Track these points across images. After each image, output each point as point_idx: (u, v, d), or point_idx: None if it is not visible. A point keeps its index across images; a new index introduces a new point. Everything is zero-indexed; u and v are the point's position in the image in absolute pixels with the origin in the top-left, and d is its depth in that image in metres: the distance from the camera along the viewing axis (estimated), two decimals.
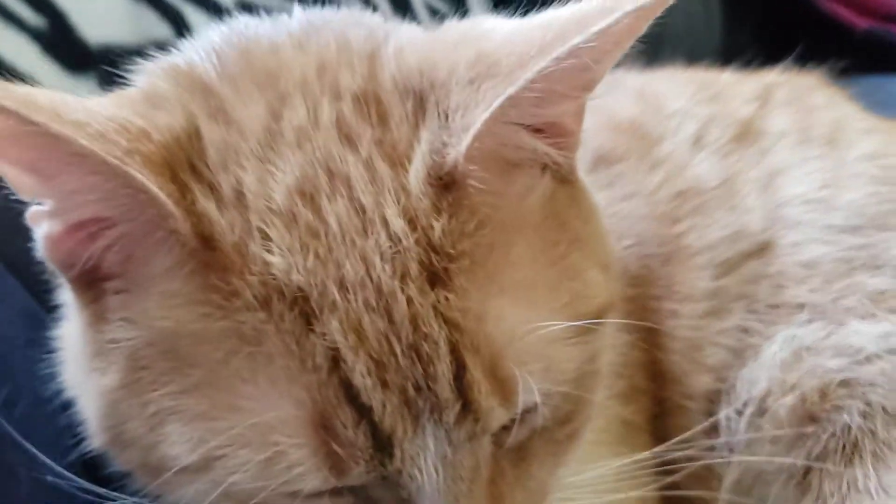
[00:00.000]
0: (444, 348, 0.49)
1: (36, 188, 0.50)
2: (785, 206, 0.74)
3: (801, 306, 0.70)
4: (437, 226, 0.50)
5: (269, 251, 0.49)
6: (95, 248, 0.51)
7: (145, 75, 0.57)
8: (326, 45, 0.56)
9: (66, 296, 0.61)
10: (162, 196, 0.48)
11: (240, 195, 0.50)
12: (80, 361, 0.56)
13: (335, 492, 0.51)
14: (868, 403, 0.66)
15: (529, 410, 0.52)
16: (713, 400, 0.71)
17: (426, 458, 0.49)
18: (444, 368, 0.49)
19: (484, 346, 0.50)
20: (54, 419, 0.63)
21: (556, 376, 0.52)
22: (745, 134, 0.78)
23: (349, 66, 0.54)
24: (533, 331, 0.50)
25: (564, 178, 0.56)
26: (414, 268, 0.49)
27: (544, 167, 0.55)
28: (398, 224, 0.49)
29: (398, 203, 0.50)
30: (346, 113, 0.52)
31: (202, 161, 0.51)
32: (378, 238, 0.49)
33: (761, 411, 0.69)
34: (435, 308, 0.49)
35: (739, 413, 0.69)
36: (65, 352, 0.61)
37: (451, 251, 0.50)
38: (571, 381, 0.54)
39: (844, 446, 0.66)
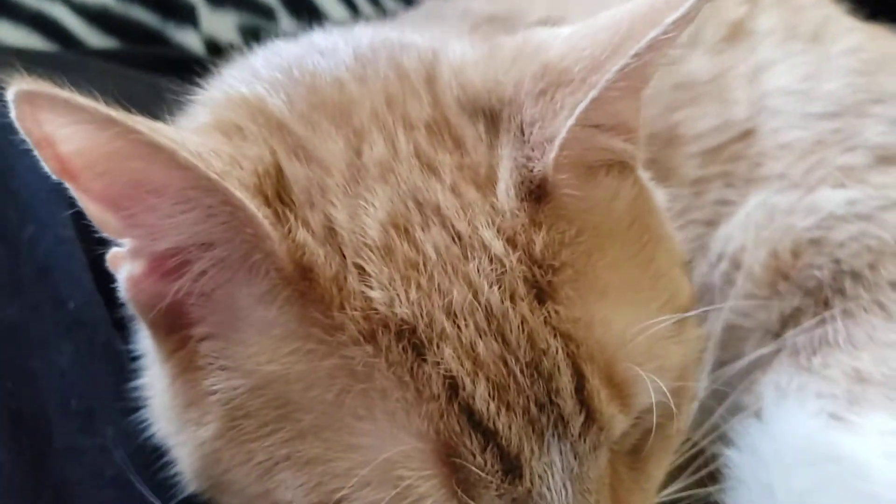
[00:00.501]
0: (563, 361, 0.49)
1: (122, 222, 0.49)
2: (768, 97, 0.78)
3: (775, 178, 0.74)
4: (538, 240, 0.50)
5: (368, 286, 0.48)
6: (183, 282, 0.50)
7: (206, 106, 0.57)
8: (386, 77, 0.56)
9: (146, 344, 0.60)
10: (259, 215, 0.47)
11: (331, 231, 0.49)
12: (172, 413, 0.55)
13: None
14: (837, 262, 0.71)
15: (645, 411, 0.52)
16: None
17: (554, 475, 0.49)
18: (566, 381, 0.49)
19: (598, 353, 0.50)
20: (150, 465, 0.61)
21: (668, 373, 0.52)
22: (736, 34, 0.83)
23: (414, 95, 0.55)
24: (641, 331, 0.50)
25: (637, 180, 0.57)
26: (521, 286, 0.49)
27: (623, 169, 0.56)
28: (498, 245, 0.49)
29: (493, 224, 0.50)
30: (423, 143, 0.53)
31: (288, 196, 0.50)
32: (480, 262, 0.49)
33: (736, 265, 0.73)
34: (547, 322, 0.49)
35: (713, 267, 0.74)
36: (152, 402, 0.60)
37: (554, 263, 0.50)
38: (679, 376, 0.54)
39: (816, 304, 0.71)
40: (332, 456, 0.48)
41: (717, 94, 0.80)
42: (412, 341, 0.48)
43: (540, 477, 0.49)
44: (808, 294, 0.72)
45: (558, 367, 0.49)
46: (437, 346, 0.48)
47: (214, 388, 0.51)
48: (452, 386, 0.48)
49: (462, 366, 0.48)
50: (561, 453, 0.49)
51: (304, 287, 0.48)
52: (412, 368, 0.48)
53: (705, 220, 0.76)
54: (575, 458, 0.49)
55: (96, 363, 0.62)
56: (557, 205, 0.51)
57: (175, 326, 0.52)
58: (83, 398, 0.62)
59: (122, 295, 0.53)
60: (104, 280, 0.57)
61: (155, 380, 0.58)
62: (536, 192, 0.51)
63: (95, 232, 0.50)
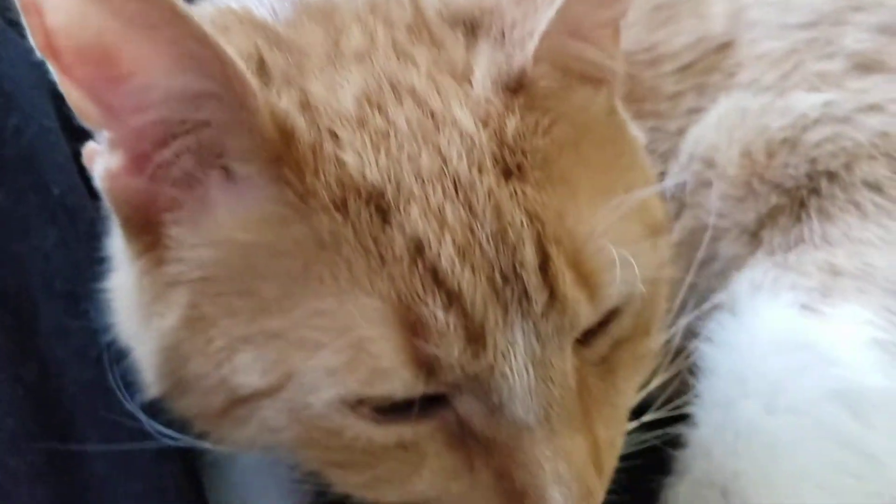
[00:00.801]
0: (527, 237, 0.49)
1: (102, 110, 0.49)
2: (746, 9, 0.78)
3: (748, 84, 0.75)
4: (510, 125, 0.51)
5: (343, 152, 0.49)
6: (162, 161, 0.51)
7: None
8: None
9: (115, 246, 0.60)
10: (247, 74, 0.47)
11: (307, 103, 0.50)
12: (136, 311, 0.56)
13: (420, 413, 0.51)
14: (813, 162, 0.71)
15: (613, 316, 0.53)
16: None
17: (516, 355, 0.49)
18: (529, 256, 0.49)
19: (565, 237, 0.50)
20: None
21: (635, 274, 0.52)
22: None
23: (398, 4, 0.56)
24: (611, 229, 0.51)
25: (613, 103, 0.58)
26: (489, 161, 0.50)
27: (599, 84, 0.57)
28: (469, 123, 0.50)
29: (466, 106, 0.51)
30: (401, 38, 0.54)
31: (268, 76, 0.51)
32: (450, 135, 0.50)
33: (708, 164, 0.74)
34: (513, 198, 0.49)
35: (684, 168, 0.75)
36: (117, 303, 0.60)
37: (525, 148, 0.51)
38: (649, 283, 0.54)
39: (792, 204, 0.72)
40: (292, 327, 0.49)
41: (695, 9, 0.80)
42: (380, 206, 0.48)
43: (503, 354, 0.49)
44: (785, 194, 0.72)
45: (523, 241, 0.49)
46: (404, 209, 0.48)
47: (181, 273, 0.52)
48: (417, 248, 0.48)
49: (428, 226, 0.48)
50: (524, 333, 0.49)
51: (284, 152, 0.49)
52: (378, 233, 0.48)
53: (677, 129, 0.77)
54: (537, 341, 0.49)
55: (80, 247, 0.63)
56: (533, 97, 0.52)
57: (147, 225, 0.53)
58: (67, 281, 0.62)
59: (98, 189, 0.53)
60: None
61: (122, 280, 0.59)
62: (513, 85, 0.52)
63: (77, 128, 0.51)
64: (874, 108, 0.72)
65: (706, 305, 0.71)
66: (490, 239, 0.49)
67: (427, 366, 0.48)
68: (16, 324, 0.60)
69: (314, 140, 0.49)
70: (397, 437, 0.51)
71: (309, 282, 0.48)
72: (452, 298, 0.48)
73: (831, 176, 0.72)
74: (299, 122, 0.49)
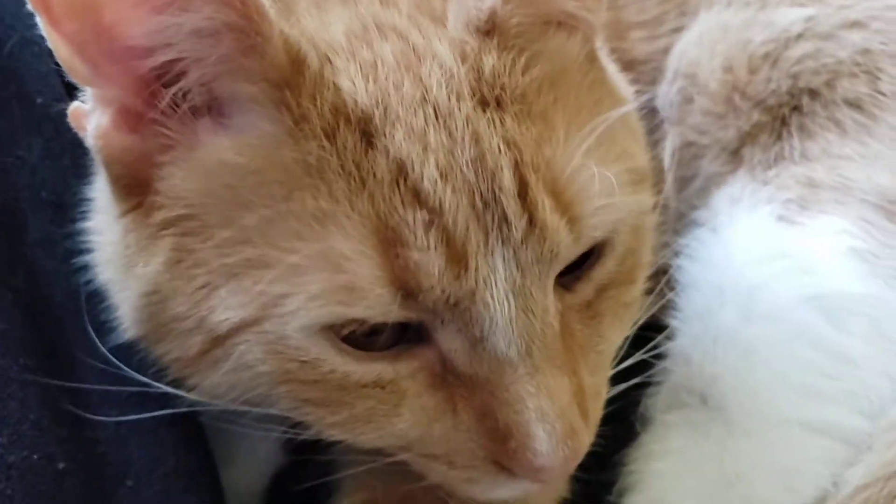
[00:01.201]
0: (505, 163, 0.50)
1: (91, 66, 0.50)
2: None
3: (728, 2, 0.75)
4: (487, 62, 0.52)
5: (337, 77, 0.50)
6: (159, 104, 0.51)
7: None
8: None
9: (100, 191, 0.61)
10: (264, 2, 0.48)
11: (306, 35, 0.51)
12: (120, 262, 0.56)
13: (399, 350, 0.51)
14: (794, 78, 0.72)
15: (596, 260, 0.54)
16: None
17: (497, 283, 0.49)
18: (508, 181, 0.49)
19: (543, 166, 0.50)
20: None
21: (617, 214, 0.53)
22: None
23: None
24: (590, 165, 0.51)
25: (592, 48, 0.58)
26: (467, 91, 0.51)
27: (573, 31, 0.57)
28: (448, 57, 0.51)
29: (446, 43, 0.52)
30: None
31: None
32: (431, 67, 0.51)
33: (691, 80, 0.75)
34: (491, 126, 0.50)
35: (670, 85, 0.76)
36: (98, 248, 0.60)
37: (504, 83, 0.52)
38: (632, 230, 0.56)
39: (773, 121, 0.73)
40: (273, 253, 0.49)
41: None
42: (366, 131, 0.49)
43: (485, 280, 0.49)
44: (766, 111, 0.73)
45: (500, 167, 0.50)
46: (389, 133, 0.49)
47: (167, 218, 0.52)
48: (400, 169, 0.49)
49: (412, 148, 0.49)
50: (504, 260, 0.49)
51: (290, 78, 0.50)
52: (361, 158, 0.49)
53: (662, 48, 0.77)
54: (517, 269, 0.50)
55: (65, 157, 0.63)
56: (506, 37, 0.53)
57: (136, 185, 0.54)
58: (54, 191, 0.63)
59: (89, 147, 0.54)
60: None
61: (105, 228, 0.59)
62: (485, 26, 0.53)
63: None
64: (856, 24, 0.73)
65: (687, 221, 0.73)
66: (469, 164, 0.49)
67: (407, 287, 0.48)
68: (3, 233, 0.61)
69: (319, 67, 0.50)
70: (376, 375, 0.52)
71: (291, 207, 0.49)
72: (434, 216, 0.48)
73: (813, 93, 0.72)
74: (310, 50, 0.50)
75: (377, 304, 0.48)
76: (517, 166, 0.50)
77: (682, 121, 0.75)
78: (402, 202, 0.48)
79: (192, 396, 0.56)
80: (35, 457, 0.54)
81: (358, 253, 0.48)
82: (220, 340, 0.52)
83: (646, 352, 0.62)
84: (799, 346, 0.63)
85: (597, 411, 0.56)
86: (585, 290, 0.55)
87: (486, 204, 0.49)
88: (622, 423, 0.66)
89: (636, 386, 0.66)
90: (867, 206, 0.67)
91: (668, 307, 0.69)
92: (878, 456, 0.59)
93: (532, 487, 0.55)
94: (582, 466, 0.65)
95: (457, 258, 0.49)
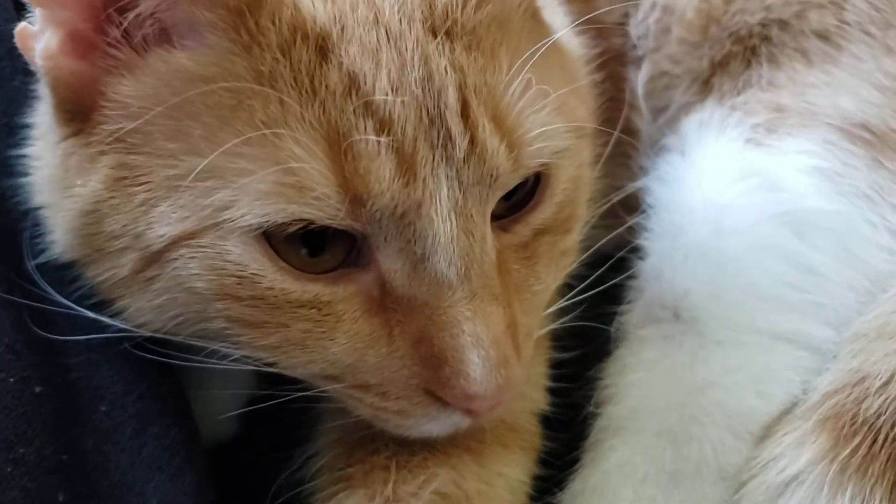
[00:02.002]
0: (451, 84, 0.52)
1: None
2: None
3: None
4: (438, 1, 0.53)
5: None
6: (110, 27, 0.51)
7: None
8: None
9: (41, 117, 0.61)
10: None
11: None
12: (59, 183, 0.56)
13: (338, 272, 0.52)
14: (767, 9, 0.74)
15: (534, 205, 0.56)
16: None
17: (441, 200, 0.51)
18: (452, 101, 0.51)
19: (486, 93, 0.53)
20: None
21: (554, 145, 0.55)
22: None
23: None
24: (534, 101, 0.54)
25: (534, 11, 0.60)
26: (419, 18, 0.53)
27: None
28: None
29: None
30: None
31: None
32: None
33: (669, 9, 0.76)
34: (440, 52, 0.52)
35: (646, 17, 0.77)
36: (37, 172, 0.61)
37: (456, 17, 0.53)
38: (571, 180, 0.58)
39: (744, 51, 0.74)
40: (220, 162, 0.50)
41: None
42: (322, 47, 0.51)
43: (430, 195, 0.51)
44: (738, 41, 0.75)
45: (446, 87, 0.51)
46: (344, 49, 0.51)
47: (111, 133, 0.53)
48: (353, 81, 0.50)
49: (365, 63, 0.51)
50: (447, 178, 0.51)
51: (251, 1, 0.50)
52: (315, 71, 0.50)
53: None
54: (459, 189, 0.51)
55: (15, 78, 0.64)
56: None
57: (80, 110, 0.54)
58: (4, 112, 0.64)
59: (35, 69, 0.54)
60: None
61: (43, 154, 0.60)
62: None
63: None
64: None
65: (657, 148, 0.74)
66: (418, 82, 0.51)
67: (356, 193, 0.50)
68: None
69: None
70: (313, 295, 0.52)
71: (240, 115, 0.50)
72: (384, 125, 0.50)
73: (783, 24, 0.74)
74: None
75: (325, 203, 0.49)
76: (461, 88, 0.52)
77: (658, 49, 0.77)
78: (354, 111, 0.50)
79: (118, 323, 0.57)
80: (11, 380, 0.54)
81: (308, 154, 0.49)
82: (156, 256, 0.53)
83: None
84: (767, 260, 0.65)
85: (528, 350, 0.57)
86: (523, 232, 0.57)
87: (432, 121, 0.51)
88: (595, 343, 0.68)
89: (608, 305, 0.69)
90: (831, 129, 0.69)
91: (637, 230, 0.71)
92: (844, 363, 0.61)
93: (462, 422, 0.56)
94: (558, 380, 0.67)
95: (406, 167, 0.50)
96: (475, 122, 0.52)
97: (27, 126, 0.63)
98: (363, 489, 0.58)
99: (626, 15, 0.78)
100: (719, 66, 0.75)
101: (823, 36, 0.74)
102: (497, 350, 0.52)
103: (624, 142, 0.76)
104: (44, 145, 0.60)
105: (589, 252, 0.67)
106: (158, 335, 0.57)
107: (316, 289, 0.52)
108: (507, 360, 0.53)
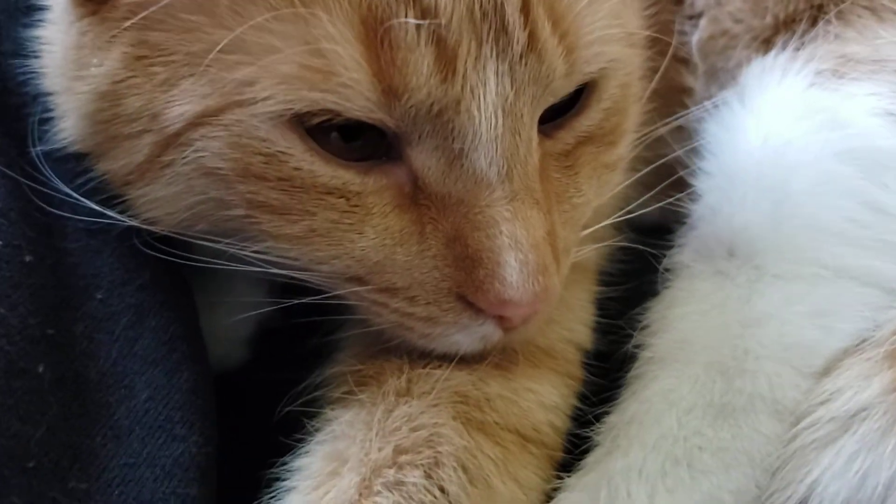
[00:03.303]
0: None
1: None
2: None
3: None
4: None
5: None
6: None
7: None
8: None
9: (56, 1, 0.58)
10: None
11: None
12: (73, 64, 0.54)
13: (371, 162, 0.49)
14: None
15: (581, 108, 0.53)
16: None
17: (486, 96, 0.47)
18: None
19: None
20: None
21: (609, 52, 0.52)
22: None
23: None
24: (591, 4, 0.50)
25: None
26: None
27: None
28: None
29: None
30: None
31: None
32: None
33: None
34: None
35: None
36: (49, 55, 0.58)
37: None
38: (621, 86, 0.55)
39: (811, 7, 0.71)
40: (247, 34, 0.46)
41: None
42: None
43: (472, 90, 0.47)
44: None
45: None
46: None
47: (132, 10, 0.49)
48: None
49: None
50: (498, 75, 0.47)
51: None
52: None
53: None
54: (511, 86, 0.48)
55: None
56: None
57: None
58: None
59: None
60: None
61: (57, 38, 0.57)
62: None
63: None
64: None
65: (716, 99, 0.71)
66: None
67: (391, 85, 0.46)
68: None
69: None
70: (342, 182, 0.49)
71: None
72: (427, 13, 0.46)
73: None
74: None
75: (354, 92, 0.46)
76: None
77: (720, 5, 0.74)
78: None
79: (126, 219, 0.54)
80: (1, 243, 0.52)
81: (341, 37, 0.46)
82: (174, 139, 0.50)
83: None
84: (833, 195, 0.61)
85: (565, 266, 0.54)
86: (566, 138, 0.54)
87: (484, 14, 0.47)
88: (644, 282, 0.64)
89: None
90: None
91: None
92: None
93: (494, 335, 0.52)
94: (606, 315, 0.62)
95: (446, 62, 0.47)
96: (535, 20, 0.48)
97: (42, 8, 0.60)
98: (375, 386, 0.54)
99: None
100: (784, 24, 0.72)
101: None
102: (536, 255, 0.49)
103: (675, 103, 0.73)
104: (58, 27, 0.57)
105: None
106: (171, 232, 0.54)
107: (346, 176, 0.49)
108: (546, 268, 0.49)
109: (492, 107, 0.48)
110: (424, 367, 0.54)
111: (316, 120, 0.47)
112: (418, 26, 0.46)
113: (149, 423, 0.52)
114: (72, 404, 0.51)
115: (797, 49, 0.70)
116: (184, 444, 0.52)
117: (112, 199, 0.55)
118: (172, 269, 0.58)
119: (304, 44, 0.46)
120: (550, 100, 0.51)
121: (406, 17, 0.46)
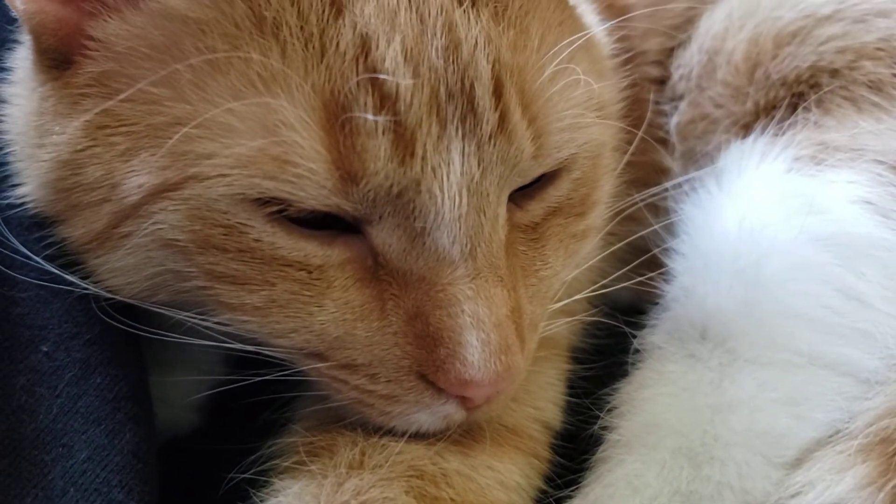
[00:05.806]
0: (482, 56, 0.48)
1: None
2: None
3: None
4: None
5: None
6: None
7: None
8: None
9: (20, 60, 0.58)
10: None
11: None
12: (35, 130, 0.53)
13: (332, 236, 0.48)
14: (819, 56, 0.71)
15: (550, 180, 0.52)
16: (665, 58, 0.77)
17: (449, 176, 0.47)
18: (484, 74, 0.47)
19: (518, 73, 0.49)
20: None
21: (579, 138, 0.51)
22: None
23: None
24: (559, 87, 0.50)
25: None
26: None
27: None
28: None
29: None
30: None
31: None
32: None
33: (715, 52, 0.73)
34: (468, 21, 0.48)
35: (692, 58, 0.74)
36: (12, 119, 0.57)
37: None
38: (591, 158, 0.54)
39: (791, 96, 0.71)
40: (207, 111, 0.46)
41: None
42: (337, 1, 0.47)
43: (433, 170, 0.46)
44: (785, 86, 0.72)
45: (477, 60, 0.47)
46: (360, 7, 0.47)
47: (94, 77, 0.50)
48: (364, 44, 0.46)
49: (380, 25, 0.46)
50: (463, 154, 0.47)
51: None
52: (326, 25, 0.46)
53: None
54: (478, 166, 0.47)
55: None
56: None
57: (62, 56, 0.51)
58: None
59: (17, 14, 0.52)
60: None
61: (19, 100, 0.56)
62: None
63: None
64: (884, 13, 0.73)
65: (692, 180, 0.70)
66: (440, 51, 0.47)
67: (349, 171, 0.45)
68: None
69: None
70: (304, 254, 0.48)
71: (235, 65, 0.46)
72: (386, 101, 0.46)
73: (834, 72, 0.71)
74: None
75: (311, 184, 0.45)
76: (495, 64, 0.48)
77: (701, 90, 0.74)
78: (359, 82, 0.45)
79: (85, 284, 0.52)
80: None
81: (301, 123, 0.45)
82: (133, 209, 0.49)
83: None
84: (809, 282, 0.59)
85: (532, 342, 0.52)
86: (536, 210, 0.53)
87: (451, 95, 0.47)
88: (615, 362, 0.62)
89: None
90: (880, 165, 0.64)
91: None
92: (893, 387, 0.55)
93: (456, 414, 0.50)
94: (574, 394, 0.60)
95: (404, 145, 0.46)
96: (507, 101, 0.48)
97: (4, 69, 0.59)
98: (327, 457, 0.52)
99: (666, 50, 0.77)
100: (764, 110, 0.72)
101: (876, 87, 0.70)
102: (499, 334, 0.47)
103: (651, 182, 0.73)
104: (19, 91, 0.56)
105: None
106: (129, 300, 0.52)
107: (308, 248, 0.48)
108: (509, 347, 0.48)
109: (456, 186, 0.47)
110: (380, 439, 0.52)
111: (268, 209, 0.46)
112: (377, 111, 0.45)
113: (85, 485, 0.50)
114: (1, 461, 0.48)
115: (776, 135, 0.70)
116: None
117: (72, 264, 0.54)
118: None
119: (263, 128, 0.45)
120: (518, 181, 0.50)
121: (366, 104, 0.46)
